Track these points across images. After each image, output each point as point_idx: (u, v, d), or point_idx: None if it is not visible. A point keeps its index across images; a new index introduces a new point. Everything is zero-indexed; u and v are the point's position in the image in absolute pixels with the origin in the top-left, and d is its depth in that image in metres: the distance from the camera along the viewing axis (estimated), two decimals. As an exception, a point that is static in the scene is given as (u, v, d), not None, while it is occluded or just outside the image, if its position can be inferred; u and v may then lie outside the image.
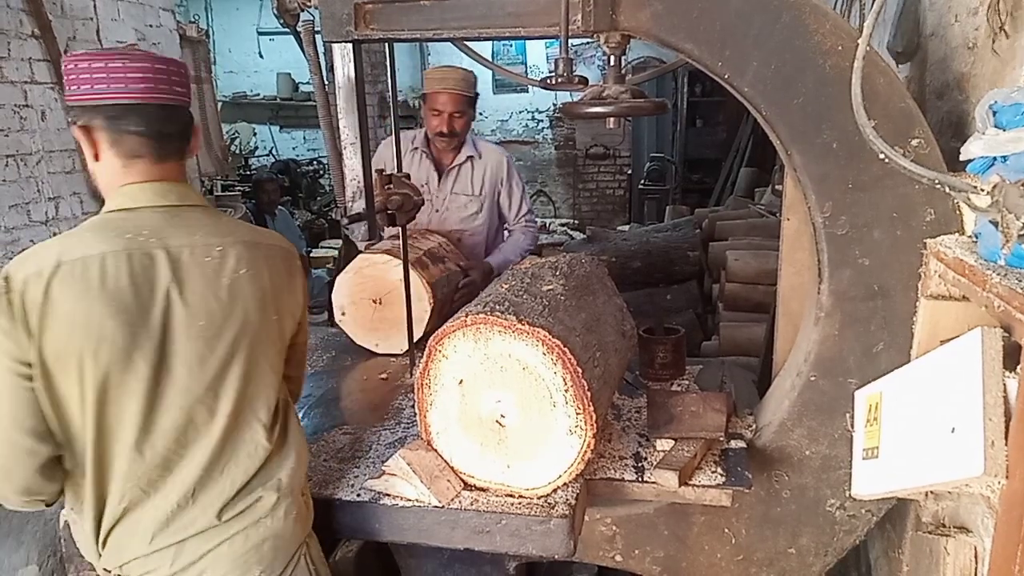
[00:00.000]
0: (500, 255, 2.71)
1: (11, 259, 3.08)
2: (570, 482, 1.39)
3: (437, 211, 2.66)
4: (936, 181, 1.15)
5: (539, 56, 9.38)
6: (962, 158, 1.08)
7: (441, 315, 2.17)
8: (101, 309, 1.10)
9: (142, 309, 1.14)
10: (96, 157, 1.21)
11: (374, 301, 2.21)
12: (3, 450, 1.12)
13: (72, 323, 1.09)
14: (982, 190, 1.05)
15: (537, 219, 3.03)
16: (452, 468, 1.44)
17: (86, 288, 1.10)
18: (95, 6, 3.28)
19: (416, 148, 2.66)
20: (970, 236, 1.28)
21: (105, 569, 1.26)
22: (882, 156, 1.17)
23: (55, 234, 3.01)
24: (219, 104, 6.29)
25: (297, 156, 8.97)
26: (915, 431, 1.11)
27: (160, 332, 1.15)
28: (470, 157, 2.70)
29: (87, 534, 1.22)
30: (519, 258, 2.63)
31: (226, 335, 1.21)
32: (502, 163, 2.76)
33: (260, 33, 8.62)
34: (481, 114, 9.98)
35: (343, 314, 2.27)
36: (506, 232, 2.89)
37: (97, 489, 1.18)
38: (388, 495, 1.43)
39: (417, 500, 1.40)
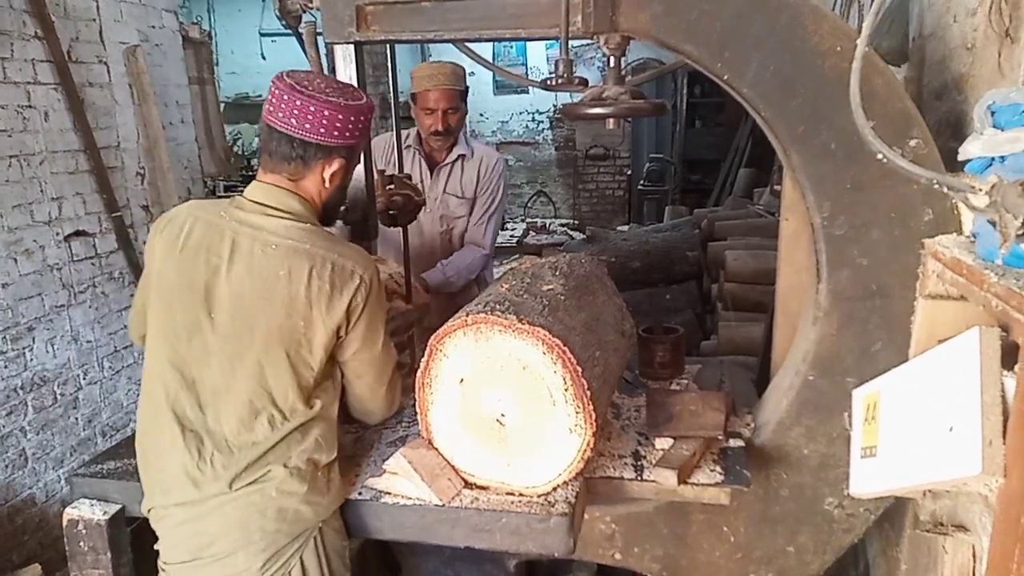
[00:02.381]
0: (439, 274, 2.52)
1: (14, 260, 3.09)
2: (570, 480, 1.40)
3: (429, 210, 2.59)
4: (934, 181, 1.15)
5: (539, 57, 9.40)
6: (960, 158, 1.08)
7: None
8: (172, 257, 1.37)
9: (196, 269, 1.36)
10: None
11: None
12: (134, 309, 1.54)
13: (158, 257, 1.40)
14: (980, 190, 1.05)
15: (488, 252, 2.68)
16: (453, 467, 1.44)
17: (174, 237, 1.39)
18: (98, 7, 3.28)
19: (409, 146, 2.61)
20: (968, 236, 1.29)
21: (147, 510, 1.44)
22: (880, 156, 1.17)
23: (58, 234, 3.05)
24: (222, 105, 6.30)
25: (298, 157, 8.96)
26: (913, 430, 1.11)
27: (203, 295, 1.35)
28: (461, 156, 2.62)
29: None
30: (463, 282, 2.55)
31: (250, 319, 1.34)
32: (491, 167, 2.65)
33: (262, 34, 8.64)
34: (482, 115, 9.99)
35: None
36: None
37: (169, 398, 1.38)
38: (389, 493, 1.44)
39: (418, 498, 1.41)
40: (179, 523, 1.36)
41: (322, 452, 1.39)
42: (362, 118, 1.40)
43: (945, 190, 1.18)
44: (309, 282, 1.34)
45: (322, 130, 1.35)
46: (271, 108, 1.37)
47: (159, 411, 1.37)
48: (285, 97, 1.34)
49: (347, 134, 1.38)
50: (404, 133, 2.63)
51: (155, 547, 1.42)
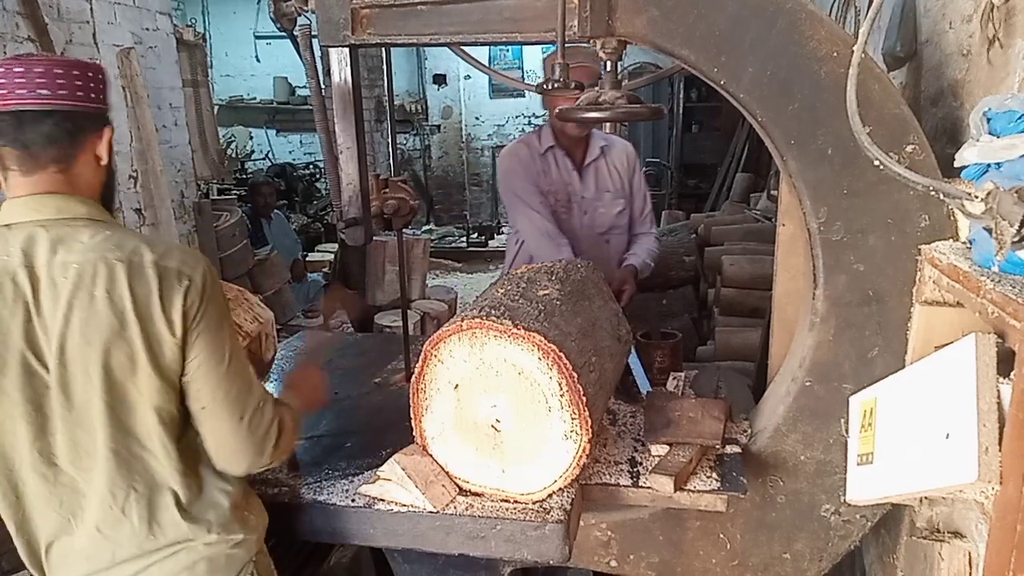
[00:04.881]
0: (640, 260, 2.44)
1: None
2: (565, 487, 1.39)
3: (586, 212, 2.40)
4: (931, 187, 1.15)
5: (535, 61, 9.41)
6: (956, 164, 1.08)
7: None
8: None
9: (5, 332, 1.09)
10: None
11: None
12: None
13: None
14: (976, 197, 1.05)
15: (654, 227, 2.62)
16: (447, 473, 1.43)
17: None
18: (91, 9, 3.28)
19: (551, 147, 2.39)
20: (964, 242, 1.29)
21: None
22: (877, 162, 1.17)
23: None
24: (216, 108, 6.29)
25: (293, 160, 8.98)
26: (909, 437, 1.11)
27: (28, 353, 1.11)
28: (603, 148, 2.43)
29: (25, 557, 1.23)
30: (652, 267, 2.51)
31: (80, 357, 1.11)
32: (632, 154, 2.51)
33: (257, 37, 8.64)
34: (477, 118, 10.00)
35: None
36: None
37: (16, 513, 1.18)
38: (383, 500, 1.43)
39: (412, 505, 1.39)
40: None
41: (232, 486, 1.25)
42: (105, 79, 1.19)
43: (941, 196, 1.18)
44: (133, 295, 1.10)
45: (79, 93, 1.11)
46: (3, 91, 1.07)
47: (58, 489, 1.16)
48: (17, 70, 1.06)
49: (103, 96, 1.16)
50: (530, 140, 2.44)
51: None
